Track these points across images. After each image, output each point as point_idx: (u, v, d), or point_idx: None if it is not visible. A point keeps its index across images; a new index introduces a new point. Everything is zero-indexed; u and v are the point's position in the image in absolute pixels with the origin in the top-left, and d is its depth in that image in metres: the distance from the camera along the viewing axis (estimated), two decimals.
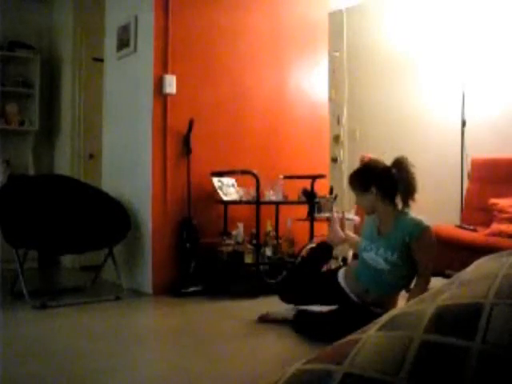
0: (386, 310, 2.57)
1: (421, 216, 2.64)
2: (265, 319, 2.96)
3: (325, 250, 3.02)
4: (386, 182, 2.62)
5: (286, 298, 2.98)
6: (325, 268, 3.16)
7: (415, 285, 2.62)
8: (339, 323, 2.52)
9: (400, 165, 2.61)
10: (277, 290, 3.10)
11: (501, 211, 3.68)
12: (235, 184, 4.01)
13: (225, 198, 3.86)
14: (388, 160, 2.73)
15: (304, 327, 2.70)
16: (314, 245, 3.35)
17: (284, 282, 3.10)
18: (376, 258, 2.62)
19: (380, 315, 2.10)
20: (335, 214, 3.09)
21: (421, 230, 2.55)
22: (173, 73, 3.85)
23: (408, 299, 2.55)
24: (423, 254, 2.56)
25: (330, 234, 2.99)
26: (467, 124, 4.45)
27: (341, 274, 2.84)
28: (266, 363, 2.31)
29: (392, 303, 2.66)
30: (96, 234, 3.62)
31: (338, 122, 5.64)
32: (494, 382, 0.43)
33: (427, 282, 2.60)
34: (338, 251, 3.54)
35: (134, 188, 3.97)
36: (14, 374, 2.13)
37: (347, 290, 2.74)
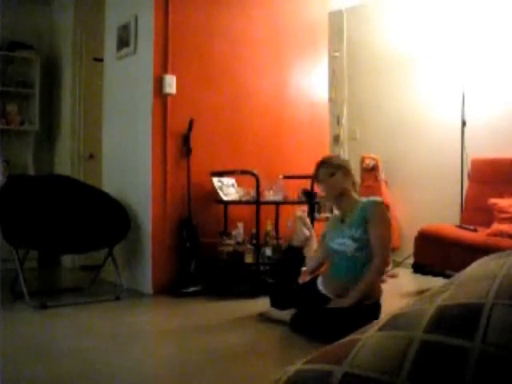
0: (371, 299, 2.65)
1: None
2: (266, 316, 2.98)
3: (295, 252, 3.07)
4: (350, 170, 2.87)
5: (277, 304, 3.00)
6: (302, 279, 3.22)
7: (369, 268, 2.64)
8: (334, 321, 2.54)
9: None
10: (270, 298, 3.10)
11: (501, 211, 3.68)
12: (235, 184, 4.01)
13: (225, 198, 3.86)
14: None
15: (300, 326, 2.71)
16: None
17: (272, 290, 3.11)
18: (343, 240, 2.71)
19: (369, 306, 2.10)
20: (299, 213, 3.13)
21: (374, 203, 2.72)
22: (173, 73, 3.85)
23: (361, 282, 2.62)
24: (376, 229, 2.64)
25: (294, 234, 3.08)
26: (467, 124, 4.45)
27: (319, 281, 2.87)
28: (266, 363, 2.32)
29: (375, 291, 2.70)
30: (96, 233, 3.62)
31: (338, 122, 5.64)
32: (494, 382, 0.43)
33: (382, 262, 2.65)
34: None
35: (134, 188, 3.97)
36: (14, 373, 2.13)
37: (329, 295, 2.75)
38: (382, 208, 2.72)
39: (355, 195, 2.81)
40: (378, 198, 2.83)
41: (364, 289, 2.61)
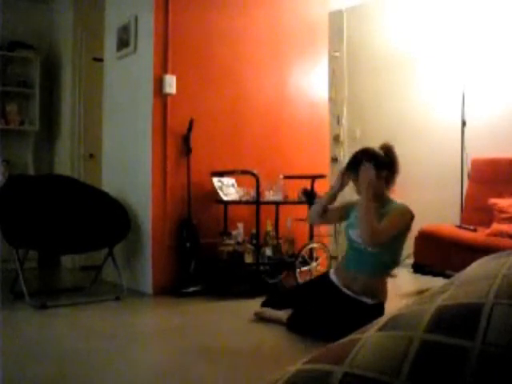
0: (376, 299, 2.64)
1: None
2: (261, 316, 2.98)
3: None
4: (390, 166, 2.76)
5: (269, 305, 2.99)
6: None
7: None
8: (333, 319, 2.55)
9: (389, 148, 2.79)
10: (270, 300, 3.09)
11: (501, 211, 3.68)
12: (235, 184, 4.01)
13: (225, 198, 3.86)
14: None
15: (297, 325, 2.72)
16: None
17: (271, 291, 3.10)
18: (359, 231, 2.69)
19: (371, 305, 2.07)
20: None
21: (398, 205, 2.68)
22: (173, 73, 3.85)
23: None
24: (384, 221, 2.58)
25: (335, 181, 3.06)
26: (467, 124, 4.45)
27: (332, 271, 2.90)
28: (265, 363, 2.32)
29: (381, 291, 2.69)
30: (96, 234, 3.62)
31: (338, 121, 5.64)
32: (494, 382, 0.43)
33: (376, 231, 2.54)
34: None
35: (134, 188, 3.97)
36: (14, 374, 2.12)
37: (338, 283, 2.76)
38: (404, 212, 2.64)
39: (387, 194, 2.77)
40: (405, 205, 2.69)
41: (366, 216, 2.56)
